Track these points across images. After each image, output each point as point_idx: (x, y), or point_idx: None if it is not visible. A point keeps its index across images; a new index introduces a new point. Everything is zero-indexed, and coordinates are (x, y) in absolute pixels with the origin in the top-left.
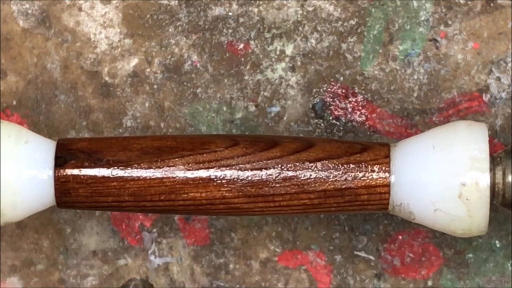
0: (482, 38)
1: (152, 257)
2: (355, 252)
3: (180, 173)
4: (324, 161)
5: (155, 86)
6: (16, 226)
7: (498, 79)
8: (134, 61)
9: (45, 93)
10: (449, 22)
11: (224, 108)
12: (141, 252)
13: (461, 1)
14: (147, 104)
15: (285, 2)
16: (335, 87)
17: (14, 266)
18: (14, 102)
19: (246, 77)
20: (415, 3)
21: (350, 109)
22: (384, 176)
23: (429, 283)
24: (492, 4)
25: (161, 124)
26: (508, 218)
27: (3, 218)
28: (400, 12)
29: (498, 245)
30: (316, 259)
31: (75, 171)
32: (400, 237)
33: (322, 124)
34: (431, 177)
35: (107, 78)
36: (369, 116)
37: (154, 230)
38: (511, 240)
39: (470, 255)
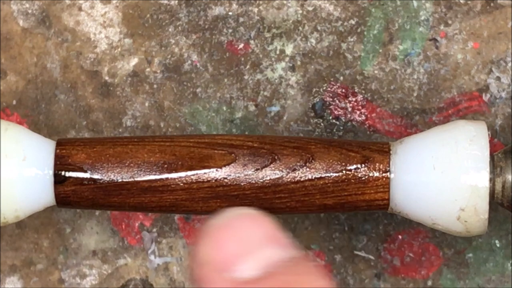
0: (482, 38)
1: (152, 257)
2: (355, 252)
3: (180, 192)
4: (324, 180)
5: (155, 86)
6: (16, 226)
7: (498, 78)
8: (134, 61)
9: (45, 92)
10: (449, 22)
11: (224, 108)
12: (141, 252)
13: (461, 1)
14: (147, 104)
15: (285, 1)
16: (335, 87)
17: (14, 266)
18: (14, 102)
19: (246, 77)
20: (415, 3)
21: (350, 109)
22: (383, 193)
23: (429, 283)
24: (492, 4)
25: (161, 123)
26: (508, 218)
27: (3, 218)
28: (400, 11)
29: (498, 245)
30: (316, 259)
31: (75, 188)
32: (400, 236)
33: (322, 124)
34: (431, 197)
35: (107, 78)
36: (369, 115)
37: (154, 229)
38: (511, 240)
39: (470, 255)
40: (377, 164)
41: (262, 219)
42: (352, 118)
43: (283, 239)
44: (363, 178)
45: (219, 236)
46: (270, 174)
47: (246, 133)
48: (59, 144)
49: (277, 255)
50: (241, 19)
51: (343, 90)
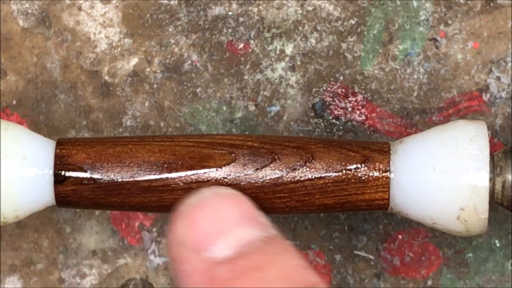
0: (482, 38)
1: (152, 257)
2: (355, 252)
3: (180, 192)
4: (324, 179)
5: (155, 86)
6: (15, 226)
7: (498, 78)
8: (134, 61)
9: (45, 92)
10: (449, 22)
11: (224, 108)
12: (140, 252)
13: (461, 1)
14: (147, 104)
15: (285, 1)
16: (335, 87)
17: (14, 266)
18: (14, 102)
19: (246, 77)
20: (415, 3)
21: (350, 109)
22: (382, 192)
23: (429, 282)
24: (492, 4)
25: (161, 123)
26: (508, 218)
27: (2, 218)
28: (400, 11)
29: (498, 245)
30: (316, 259)
31: (75, 188)
32: (399, 236)
33: (322, 124)
34: (431, 197)
35: (107, 78)
36: (369, 115)
37: (154, 229)
38: (511, 239)
39: (470, 254)
40: (377, 164)
41: (238, 198)
42: (352, 118)
43: (258, 218)
44: (363, 178)
45: (195, 216)
46: (270, 173)
47: (246, 133)
48: (59, 144)
49: (252, 234)
50: (241, 19)
51: (343, 90)
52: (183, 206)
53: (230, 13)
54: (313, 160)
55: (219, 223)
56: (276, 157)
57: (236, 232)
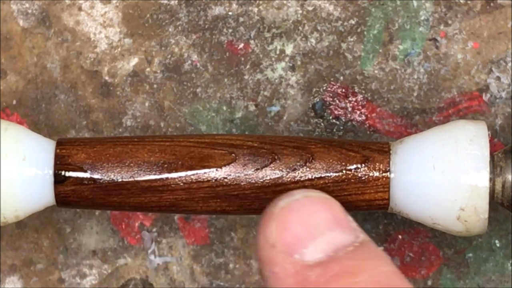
0: (482, 38)
1: (152, 257)
2: None
3: (180, 192)
4: (324, 179)
5: (155, 86)
6: (16, 226)
7: (498, 78)
8: (134, 61)
9: (45, 92)
10: (449, 22)
11: (224, 108)
12: (140, 252)
13: (461, 1)
14: (147, 104)
15: (285, 1)
16: (335, 87)
17: (14, 266)
18: (14, 102)
19: (246, 77)
20: (415, 3)
21: (350, 109)
22: (382, 193)
23: (429, 282)
24: (492, 4)
25: (161, 123)
26: (508, 218)
27: (2, 218)
28: (400, 11)
29: (498, 245)
30: None
31: (75, 188)
32: (400, 236)
33: (322, 124)
34: (431, 197)
35: (107, 78)
36: (369, 115)
37: (154, 229)
38: (511, 239)
39: (470, 254)
40: (377, 164)
41: (329, 202)
42: (352, 118)
43: (350, 223)
44: (363, 178)
45: (286, 218)
46: (270, 174)
47: (246, 133)
48: (59, 144)
49: (343, 239)
50: (241, 19)
51: (343, 90)
52: (274, 208)
53: (230, 13)
54: (313, 160)
55: (311, 227)
56: (276, 157)
57: (328, 236)
